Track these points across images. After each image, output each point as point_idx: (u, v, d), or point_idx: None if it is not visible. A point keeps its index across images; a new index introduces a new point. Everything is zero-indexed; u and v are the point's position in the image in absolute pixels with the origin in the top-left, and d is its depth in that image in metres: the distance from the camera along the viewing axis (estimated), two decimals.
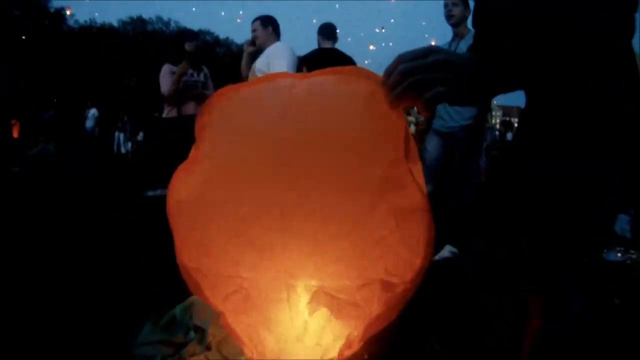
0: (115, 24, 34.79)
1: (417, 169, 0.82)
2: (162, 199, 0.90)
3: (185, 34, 3.78)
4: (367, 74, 0.85)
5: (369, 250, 0.77)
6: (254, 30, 2.87)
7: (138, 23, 37.13)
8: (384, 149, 0.77)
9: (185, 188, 0.88)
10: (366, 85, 0.82)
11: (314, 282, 0.79)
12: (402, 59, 0.71)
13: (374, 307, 0.87)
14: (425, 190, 0.78)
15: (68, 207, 3.84)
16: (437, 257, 3.07)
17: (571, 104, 0.75)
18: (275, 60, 2.54)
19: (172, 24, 37.52)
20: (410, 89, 0.70)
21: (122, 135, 14.54)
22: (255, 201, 0.81)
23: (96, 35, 25.05)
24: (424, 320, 1.71)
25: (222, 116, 0.90)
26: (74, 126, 13.87)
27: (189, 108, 3.62)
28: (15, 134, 9.06)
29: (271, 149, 0.82)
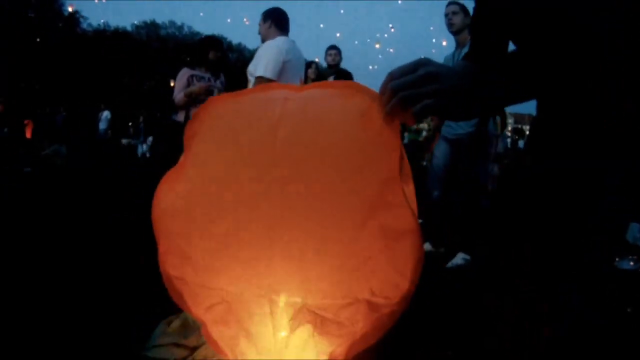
0: (128, 27, 35.62)
1: (410, 189, 0.79)
2: None
3: (213, 42, 3.70)
4: (363, 89, 0.84)
5: (355, 270, 0.75)
6: (259, 26, 2.77)
7: (151, 27, 37.92)
8: (377, 167, 0.74)
9: (170, 196, 0.87)
10: (361, 101, 0.81)
11: (297, 299, 0.77)
12: (392, 75, 0.70)
13: (359, 326, 0.85)
14: (416, 211, 0.76)
15: (76, 207, 3.87)
16: (449, 265, 3.02)
17: (571, 104, 0.73)
18: (258, 60, 2.34)
19: (185, 29, 38.24)
20: (401, 104, 0.69)
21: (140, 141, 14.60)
22: (241, 214, 0.79)
23: (110, 38, 25.63)
24: (427, 323, 1.67)
25: (213, 125, 0.89)
26: (86, 128, 14.11)
27: None
28: (28, 135, 9.24)
29: (259, 162, 0.80)
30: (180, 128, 3.78)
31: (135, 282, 2.01)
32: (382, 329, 0.87)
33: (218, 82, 3.67)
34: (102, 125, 14.36)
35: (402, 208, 0.72)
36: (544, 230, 0.77)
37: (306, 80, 3.87)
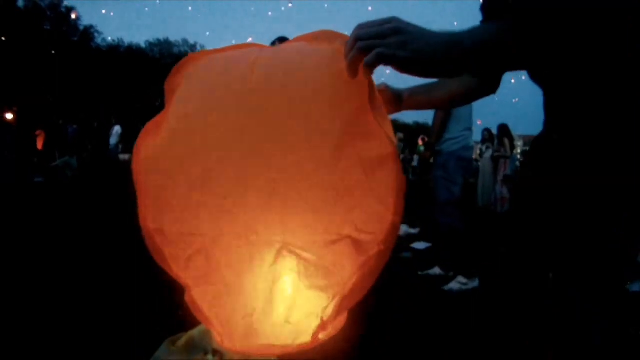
0: (142, 44, 36.56)
1: (387, 123, 0.76)
2: None
3: None
4: (335, 36, 0.83)
5: (335, 202, 0.71)
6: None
7: (165, 45, 38.88)
8: (347, 99, 0.73)
9: (151, 146, 0.86)
10: (332, 45, 0.81)
11: (277, 238, 0.73)
12: (359, 26, 0.67)
13: (346, 273, 0.80)
14: (395, 141, 0.72)
15: (84, 218, 3.89)
16: (447, 288, 2.96)
17: (588, 118, 0.76)
18: None
19: (198, 47, 38.99)
20: (360, 53, 0.66)
21: None
22: (216, 156, 0.77)
23: (123, 54, 26.32)
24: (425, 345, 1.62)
25: (190, 78, 0.89)
26: (97, 141, 14.37)
27: None
28: (39, 146, 9.43)
29: (235, 104, 0.80)
30: None
31: (138, 297, 1.97)
32: (371, 277, 0.82)
33: None
34: (113, 140, 14.64)
35: (376, 136, 0.70)
36: (560, 244, 0.78)
37: None
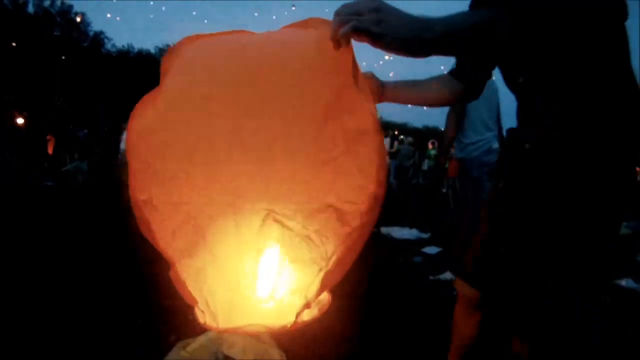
0: (152, 50, 37.09)
1: (370, 100, 0.79)
2: None
3: None
4: (322, 22, 0.88)
5: (318, 172, 0.73)
6: None
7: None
8: (331, 77, 0.77)
9: (144, 119, 0.88)
10: (320, 29, 0.85)
11: (263, 205, 0.74)
12: (343, 5, 0.73)
13: (330, 246, 0.81)
14: (377, 115, 0.74)
15: (94, 223, 3.88)
16: (434, 277, 2.89)
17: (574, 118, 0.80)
18: None
19: None
20: (338, 26, 0.70)
21: None
22: (208, 126, 0.80)
23: (133, 59, 26.67)
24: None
25: (183, 57, 0.93)
26: (107, 146, 14.52)
27: None
28: (50, 150, 9.55)
29: (227, 79, 0.83)
30: None
31: (145, 298, 1.93)
32: (353, 251, 0.83)
33: None
34: (123, 145, 14.78)
35: (359, 111, 0.74)
36: (560, 244, 0.80)
37: None
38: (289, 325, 0.99)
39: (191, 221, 0.82)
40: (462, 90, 1.14)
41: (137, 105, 0.91)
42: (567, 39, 0.70)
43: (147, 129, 0.86)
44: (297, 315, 0.99)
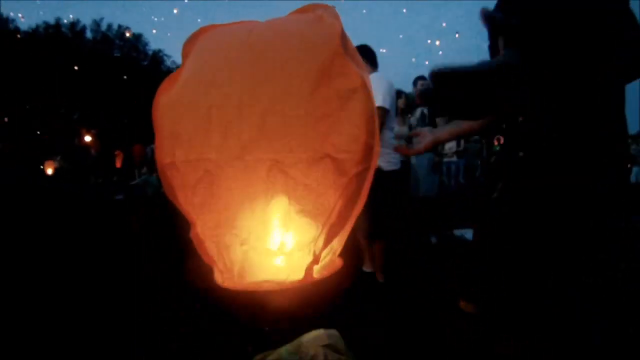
0: None
1: (359, 63, 0.91)
2: None
3: None
4: (317, 6, 1.05)
5: (316, 125, 0.85)
6: None
7: None
8: (322, 47, 0.92)
9: (168, 94, 1.02)
10: (315, 12, 1.02)
11: (269, 156, 0.87)
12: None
13: (331, 197, 0.91)
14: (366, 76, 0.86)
15: (167, 234, 3.67)
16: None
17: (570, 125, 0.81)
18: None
19: None
20: None
21: None
22: (221, 94, 0.94)
23: None
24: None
25: (200, 43, 1.09)
26: None
27: None
28: (118, 164, 9.89)
29: (236, 56, 0.99)
30: None
31: (223, 314, 1.68)
32: (352, 203, 0.93)
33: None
34: None
35: (348, 73, 0.88)
36: (560, 244, 0.81)
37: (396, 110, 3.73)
38: (299, 282, 1.08)
39: (207, 175, 0.94)
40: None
41: (162, 84, 1.05)
42: (571, 39, 0.71)
43: (170, 102, 1.01)
44: (307, 270, 1.08)
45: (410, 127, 3.30)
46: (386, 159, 2.01)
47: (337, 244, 1.18)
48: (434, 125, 3.17)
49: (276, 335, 1.29)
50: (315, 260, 1.06)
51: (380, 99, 2.04)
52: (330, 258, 1.22)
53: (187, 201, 1.00)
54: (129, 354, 1.36)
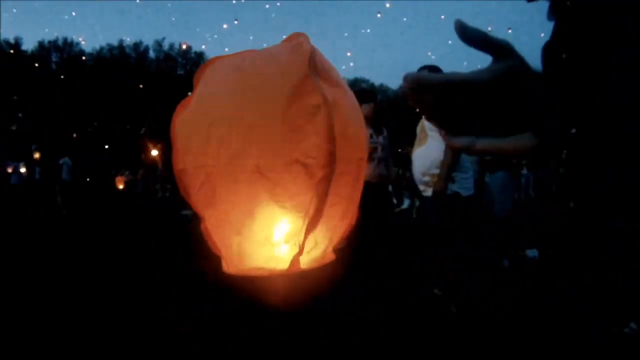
0: None
1: (331, 80, 1.11)
2: None
3: (364, 95, 3.05)
4: (298, 35, 1.28)
5: (288, 136, 1.07)
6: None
7: None
8: (294, 71, 1.13)
9: (182, 113, 1.29)
10: (296, 40, 1.24)
11: (252, 162, 1.10)
12: None
13: (306, 197, 1.11)
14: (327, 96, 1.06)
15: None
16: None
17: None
18: None
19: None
20: None
21: None
22: (219, 114, 1.19)
23: None
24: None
25: (206, 73, 1.36)
26: None
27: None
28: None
29: (230, 81, 1.24)
30: None
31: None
32: (324, 199, 1.12)
33: (381, 137, 2.99)
34: None
35: (313, 91, 1.08)
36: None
37: None
38: (286, 271, 1.28)
39: (208, 179, 1.18)
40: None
41: (178, 106, 1.32)
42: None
43: (182, 122, 1.27)
44: (292, 260, 1.28)
45: None
46: (463, 185, 2.03)
47: (323, 239, 1.36)
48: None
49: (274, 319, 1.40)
50: (300, 252, 1.25)
51: None
52: (321, 252, 1.40)
53: (196, 200, 1.25)
54: (129, 354, 1.40)
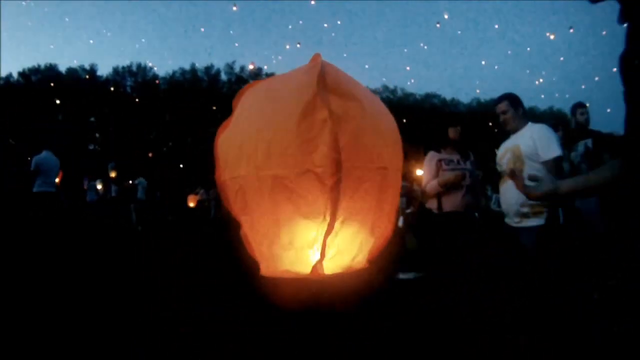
0: None
1: (343, 94, 1.28)
2: None
3: (448, 117, 2.95)
4: (314, 57, 1.44)
5: (301, 148, 1.22)
6: (503, 112, 2.33)
7: None
8: (306, 90, 1.28)
9: (223, 132, 1.54)
10: (315, 60, 1.41)
11: (272, 172, 1.26)
12: None
13: (321, 204, 1.24)
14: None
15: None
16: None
17: None
18: (546, 143, 2.14)
19: (399, 92, 30.24)
20: None
21: None
22: (249, 132, 1.39)
23: None
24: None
25: (243, 97, 1.59)
26: None
27: (450, 201, 2.63)
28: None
29: (256, 105, 1.45)
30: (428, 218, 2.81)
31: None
32: (335, 201, 1.23)
33: (468, 162, 2.77)
34: None
35: (321, 107, 1.21)
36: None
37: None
38: (309, 275, 1.38)
39: (241, 189, 1.37)
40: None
41: (219, 128, 1.55)
42: None
43: (223, 140, 1.51)
44: (315, 265, 1.38)
45: (572, 165, 2.91)
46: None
47: (349, 246, 1.45)
48: (599, 162, 2.73)
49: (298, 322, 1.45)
50: (322, 257, 1.36)
51: (556, 148, 2.01)
52: (349, 260, 1.47)
53: (234, 206, 1.45)
54: (129, 354, 1.41)
